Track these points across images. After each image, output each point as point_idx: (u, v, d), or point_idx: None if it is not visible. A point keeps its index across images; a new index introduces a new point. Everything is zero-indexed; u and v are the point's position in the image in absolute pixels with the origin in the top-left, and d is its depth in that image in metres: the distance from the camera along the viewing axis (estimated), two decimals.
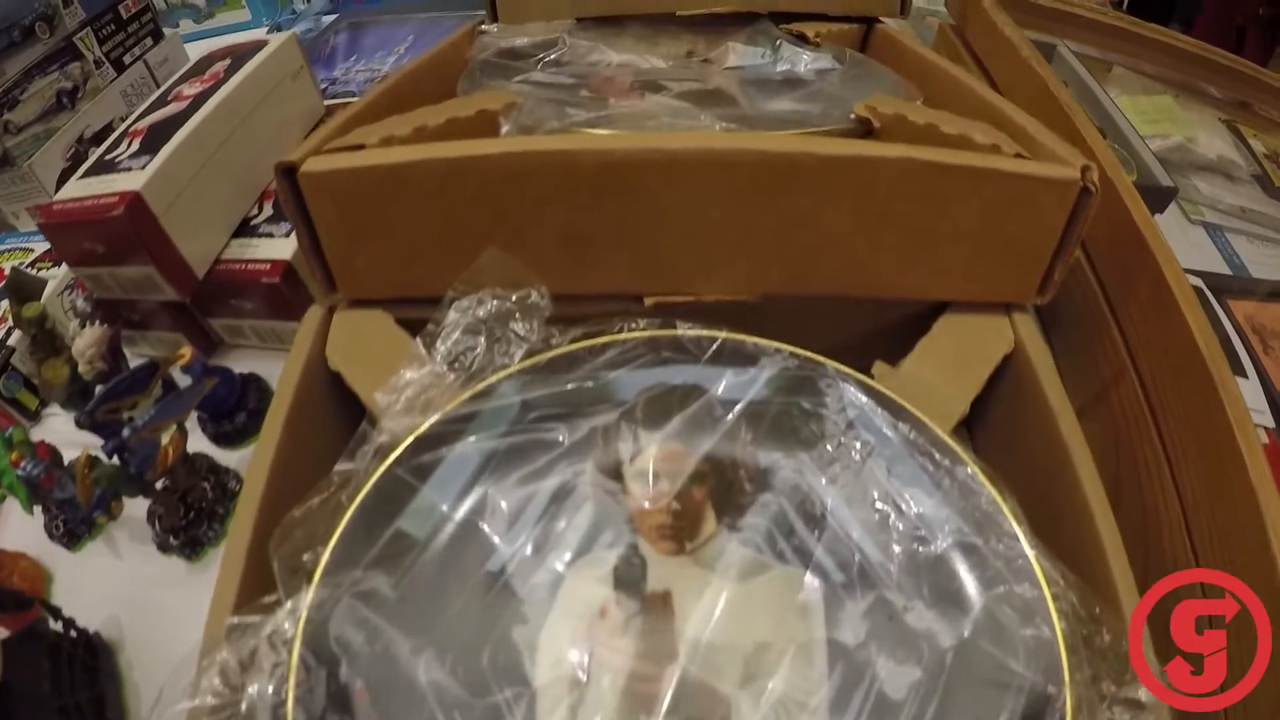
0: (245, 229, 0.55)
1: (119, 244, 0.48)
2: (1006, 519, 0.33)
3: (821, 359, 0.38)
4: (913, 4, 0.65)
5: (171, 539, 0.49)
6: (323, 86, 0.80)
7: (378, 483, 0.34)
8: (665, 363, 0.39)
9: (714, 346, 0.38)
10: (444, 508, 0.35)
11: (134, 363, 0.55)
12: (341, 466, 0.34)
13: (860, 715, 0.30)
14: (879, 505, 0.35)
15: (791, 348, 0.39)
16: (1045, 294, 0.43)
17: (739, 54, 0.61)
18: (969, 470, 0.34)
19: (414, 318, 0.41)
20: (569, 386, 0.37)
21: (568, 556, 0.34)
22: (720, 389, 0.38)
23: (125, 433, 0.43)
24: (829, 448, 0.37)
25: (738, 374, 0.38)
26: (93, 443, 0.45)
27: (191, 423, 0.52)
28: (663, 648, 0.32)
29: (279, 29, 1.01)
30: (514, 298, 0.38)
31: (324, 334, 0.42)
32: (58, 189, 0.76)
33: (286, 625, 0.29)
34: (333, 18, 1.02)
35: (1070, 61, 0.74)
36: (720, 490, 0.37)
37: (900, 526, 0.35)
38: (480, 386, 0.37)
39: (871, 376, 0.39)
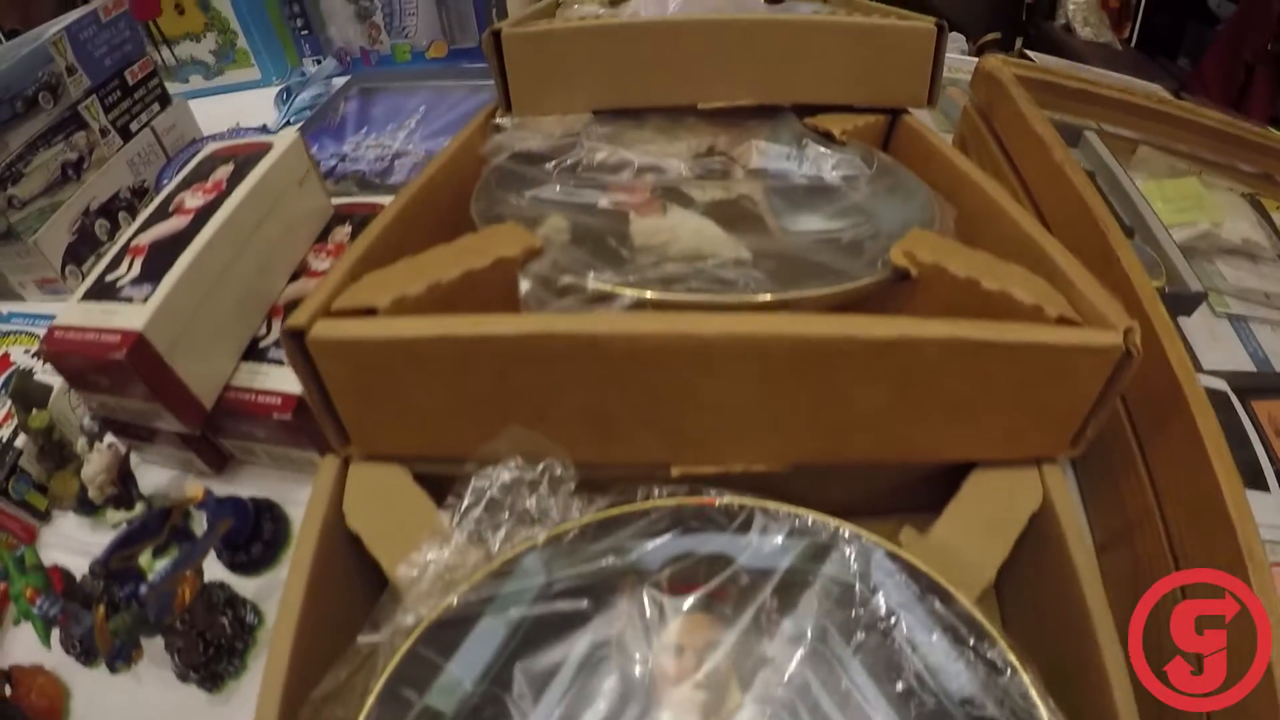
0: (254, 351, 0.53)
1: (123, 381, 0.47)
2: (1032, 698, 0.32)
3: (850, 527, 0.37)
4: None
5: (191, 673, 0.48)
6: (332, 163, 0.79)
7: (403, 660, 0.33)
8: (692, 531, 0.38)
9: (742, 516, 0.37)
10: (470, 683, 0.34)
11: (142, 480, 0.55)
12: (366, 639, 0.34)
13: None
14: (903, 679, 0.34)
15: (820, 515, 0.38)
16: (1077, 448, 0.42)
17: (762, 153, 0.60)
18: (996, 647, 0.34)
19: (432, 473, 0.40)
20: (594, 558, 0.36)
21: None
22: (748, 558, 0.37)
23: (143, 589, 0.42)
24: (855, 617, 0.36)
25: (765, 542, 0.37)
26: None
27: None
28: None
29: (289, 92, 1.00)
30: (537, 469, 0.37)
31: (340, 487, 0.40)
32: (64, 263, 0.76)
33: None
34: (344, 79, 1.01)
35: (1097, 149, 0.73)
36: (745, 662, 0.36)
37: (923, 701, 0.34)
38: (504, 561, 0.36)
39: (899, 543, 0.38)
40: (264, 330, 0.54)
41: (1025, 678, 0.33)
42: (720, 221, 0.52)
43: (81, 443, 0.56)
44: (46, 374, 0.61)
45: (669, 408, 0.37)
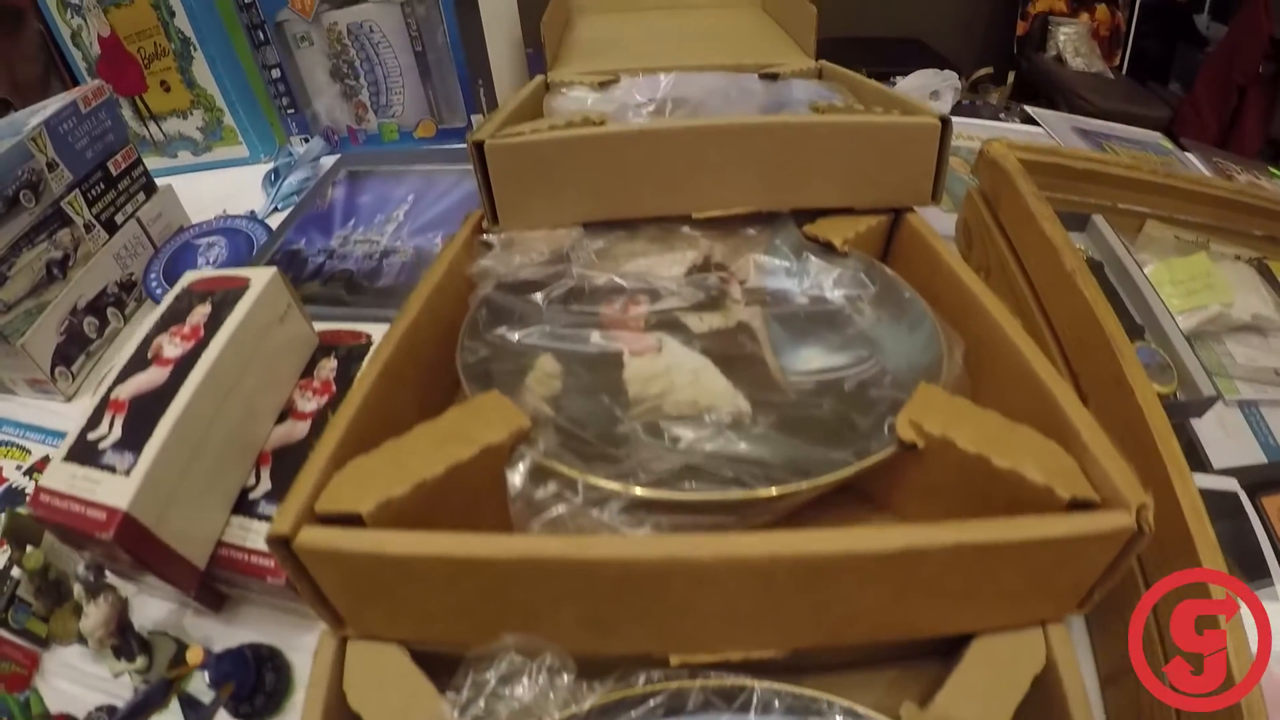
0: (244, 504, 0.51)
1: (113, 553, 0.45)
2: None
3: (850, 704, 0.36)
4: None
5: None
6: (319, 260, 0.77)
7: None
8: (692, 714, 0.36)
9: (741, 697, 0.36)
10: None
11: (141, 612, 0.54)
12: None
13: None
14: None
15: (819, 693, 0.36)
16: (1084, 608, 0.40)
17: (761, 268, 0.58)
18: None
19: (431, 652, 0.39)
20: None
21: None
22: None
23: None
24: None
25: None
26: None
27: None
28: None
29: (277, 173, 0.99)
30: (535, 662, 0.35)
31: (339, 666, 0.39)
32: (54, 364, 0.74)
33: None
34: (332, 159, 0.99)
35: (1105, 235, 0.72)
36: None
37: None
38: None
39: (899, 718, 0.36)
40: (253, 480, 0.52)
41: None
42: (718, 361, 0.50)
43: (78, 589, 0.54)
44: None
45: (666, 615, 0.36)
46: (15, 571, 0.56)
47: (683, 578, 0.33)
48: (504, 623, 0.35)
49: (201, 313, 0.53)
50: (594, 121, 0.60)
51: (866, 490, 0.47)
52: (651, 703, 0.36)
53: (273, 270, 0.54)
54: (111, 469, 0.45)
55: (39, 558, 0.54)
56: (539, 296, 0.54)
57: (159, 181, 0.92)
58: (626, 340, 0.52)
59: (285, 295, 0.55)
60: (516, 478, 0.38)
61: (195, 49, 1.03)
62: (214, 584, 0.53)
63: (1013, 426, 0.41)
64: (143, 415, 0.48)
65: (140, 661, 0.52)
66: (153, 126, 1.14)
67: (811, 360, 0.51)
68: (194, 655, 0.47)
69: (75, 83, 1.15)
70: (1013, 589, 0.37)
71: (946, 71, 1.79)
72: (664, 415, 0.47)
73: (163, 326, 0.53)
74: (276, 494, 0.51)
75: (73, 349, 0.78)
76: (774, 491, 0.38)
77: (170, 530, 0.46)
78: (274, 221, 0.91)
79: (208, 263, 0.85)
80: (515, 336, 0.50)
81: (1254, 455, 0.65)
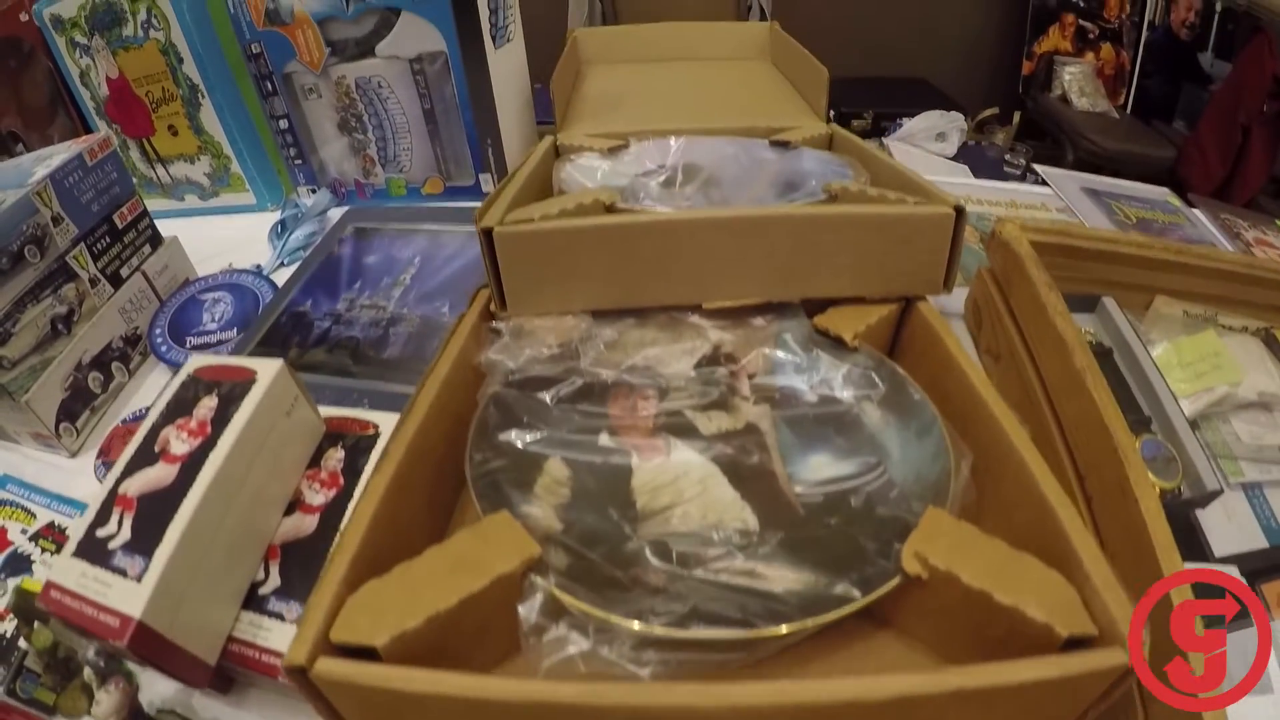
0: (254, 599, 0.51)
1: (124, 654, 0.46)
2: None
3: None
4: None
5: None
6: (325, 325, 0.77)
7: None
8: None
9: None
10: None
11: (149, 689, 0.54)
12: None
13: None
14: None
15: None
16: None
17: (770, 363, 0.58)
18: None
19: None
20: None
21: None
22: None
23: None
24: None
25: None
26: None
27: None
28: None
29: (283, 226, 0.98)
30: None
31: None
32: (58, 420, 0.73)
33: None
34: (340, 211, 0.99)
35: (1115, 318, 0.72)
36: None
37: None
38: None
39: None
40: (262, 575, 0.52)
41: None
42: (727, 468, 0.50)
43: (88, 672, 0.54)
44: (45, 564, 0.59)
45: None
46: (23, 642, 0.56)
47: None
48: None
49: (208, 406, 0.52)
50: (604, 203, 0.60)
51: (871, 607, 0.47)
52: None
53: (279, 364, 0.54)
54: (123, 573, 0.45)
55: (48, 636, 0.54)
56: (548, 396, 0.53)
57: (165, 224, 0.91)
58: (635, 444, 0.51)
59: (293, 388, 0.55)
60: (528, 612, 0.38)
61: (203, 96, 1.03)
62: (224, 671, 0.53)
63: (1016, 556, 0.41)
64: (152, 516, 0.47)
65: None
66: (160, 169, 1.14)
67: (820, 469, 0.51)
68: None
69: (81, 116, 1.16)
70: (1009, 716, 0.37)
71: (953, 113, 1.80)
72: (672, 531, 0.47)
73: (169, 417, 0.53)
74: (286, 590, 0.51)
75: (77, 405, 0.77)
76: (783, 630, 0.38)
77: (182, 632, 0.46)
78: (280, 276, 0.91)
79: (213, 320, 0.84)
80: (524, 441, 0.50)
81: (1256, 539, 0.65)
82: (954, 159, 1.76)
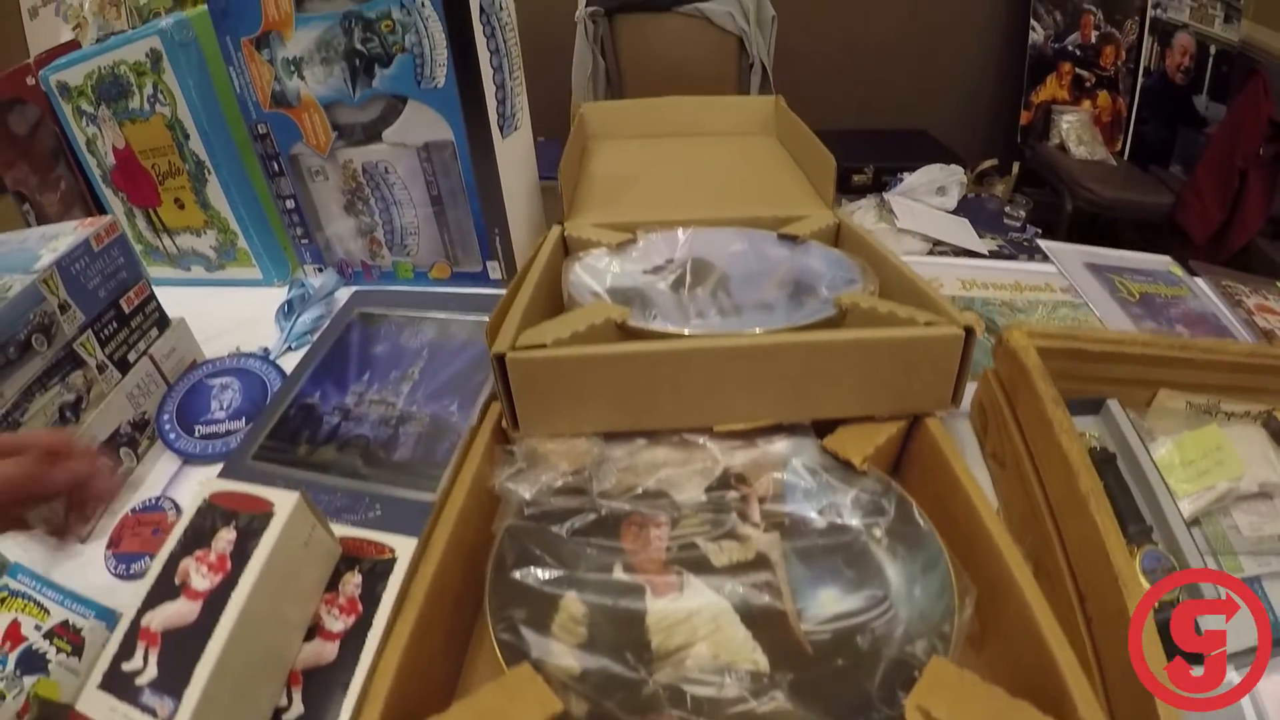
0: None
1: None
2: None
3: None
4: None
5: None
6: (334, 420, 0.77)
7: None
8: None
9: None
10: None
11: None
12: None
13: None
14: None
15: None
16: None
17: (778, 485, 0.59)
18: None
19: None
20: None
21: None
22: None
23: None
24: None
25: None
26: None
27: None
28: None
29: (290, 307, 0.99)
30: None
31: None
32: None
33: None
34: (347, 291, 0.99)
35: (1119, 421, 0.72)
36: None
37: None
38: None
39: None
40: (285, 701, 0.52)
41: None
42: (739, 605, 0.51)
43: None
44: (61, 666, 0.59)
45: None
46: None
47: None
48: None
49: (226, 539, 0.53)
50: (616, 321, 0.61)
51: None
52: None
53: (296, 496, 0.54)
54: (152, 713, 0.46)
55: None
56: (562, 529, 0.54)
57: (171, 292, 0.91)
58: (650, 580, 0.52)
59: (310, 518, 0.55)
60: None
61: (209, 172, 1.03)
62: None
63: (1013, 705, 0.42)
64: (179, 653, 0.48)
65: None
66: (166, 239, 1.15)
67: (829, 604, 0.52)
68: None
69: (84, 175, 1.16)
70: None
71: (952, 166, 1.81)
72: (687, 673, 0.47)
73: (187, 548, 0.53)
74: (309, 717, 0.52)
75: None
76: None
77: None
78: (287, 360, 0.91)
79: (221, 408, 0.85)
80: (540, 579, 0.51)
81: (1254, 636, 0.65)
82: (954, 212, 1.77)
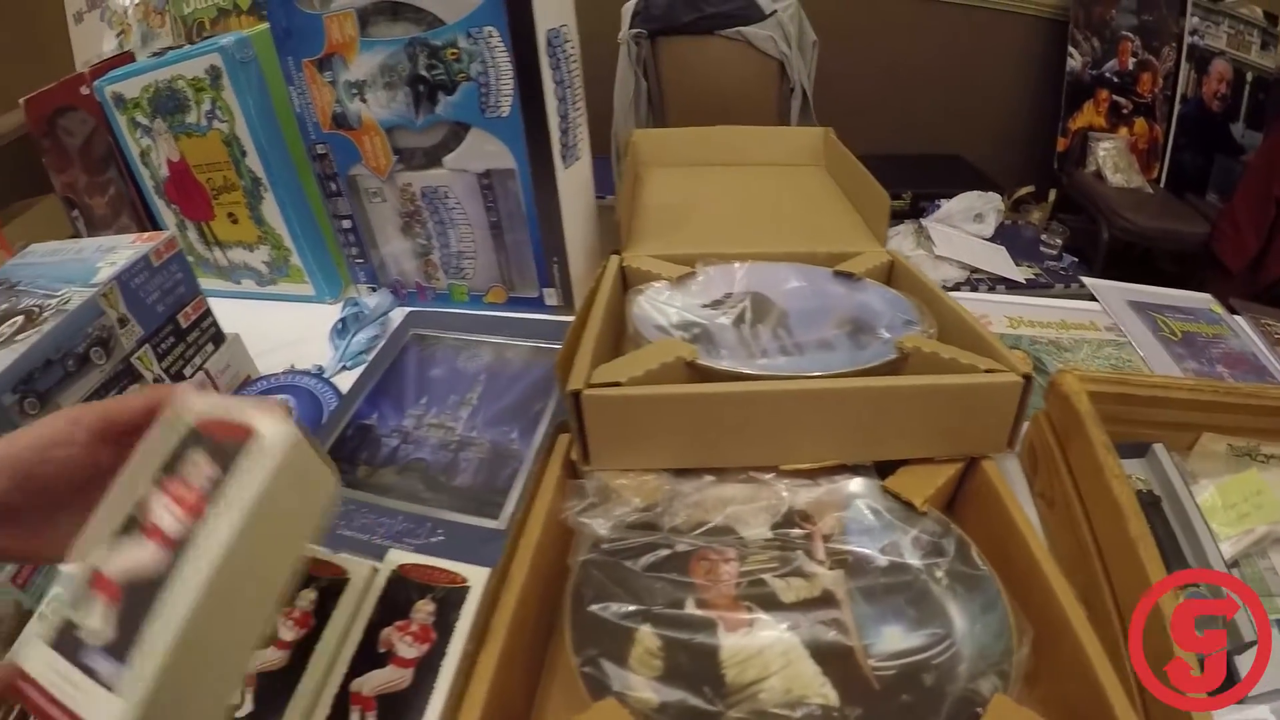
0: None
1: None
2: None
3: None
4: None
5: None
6: (394, 443, 0.79)
7: None
8: None
9: None
10: None
11: None
12: None
13: None
14: None
15: None
16: None
17: (841, 523, 0.60)
18: None
19: None
20: None
21: None
22: None
23: None
24: None
25: None
26: None
27: None
28: None
29: (344, 326, 1.00)
30: None
31: None
32: None
33: None
34: (402, 312, 1.01)
35: (1165, 465, 0.73)
36: None
37: None
38: None
39: None
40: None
41: None
42: (806, 641, 0.53)
43: None
44: None
45: None
46: None
47: None
48: None
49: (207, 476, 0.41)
50: (685, 359, 0.62)
51: None
52: None
53: (290, 423, 0.43)
54: (100, 681, 0.37)
55: None
56: (637, 565, 0.56)
57: (220, 305, 0.92)
58: (721, 615, 0.54)
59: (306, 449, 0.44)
60: None
61: (266, 189, 1.05)
62: None
63: None
64: (132, 611, 0.38)
65: None
66: (218, 252, 1.17)
67: (893, 641, 0.53)
68: None
69: (135, 183, 1.19)
70: None
71: (989, 194, 1.83)
72: (761, 706, 0.49)
73: (170, 475, 0.42)
74: None
75: None
76: None
77: None
78: (342, 380, 0.93)
79: None
80: (617, 615, 0.53)
81: None
82: (991, 239, 1.78)
